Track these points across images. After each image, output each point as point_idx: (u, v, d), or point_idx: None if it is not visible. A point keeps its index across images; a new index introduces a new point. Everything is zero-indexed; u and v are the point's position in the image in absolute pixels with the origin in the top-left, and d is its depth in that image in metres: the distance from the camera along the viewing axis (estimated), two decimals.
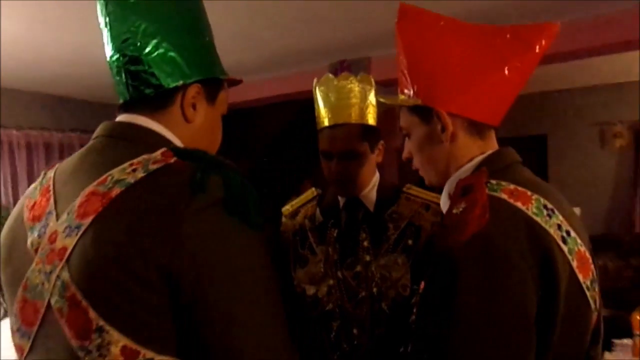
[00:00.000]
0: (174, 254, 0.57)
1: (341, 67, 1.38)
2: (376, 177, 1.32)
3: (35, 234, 0.65)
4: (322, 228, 1.32)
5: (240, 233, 0.61)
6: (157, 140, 0.70)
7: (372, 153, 1.28)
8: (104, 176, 0.64)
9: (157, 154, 0.65)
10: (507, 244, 0.67)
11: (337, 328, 1.23)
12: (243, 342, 0.59)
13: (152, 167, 0.63)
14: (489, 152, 0.81)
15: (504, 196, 0.71)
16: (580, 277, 0.71)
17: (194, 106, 0.75)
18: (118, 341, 0.57)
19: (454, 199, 0.75)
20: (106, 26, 0.72)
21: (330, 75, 1.31)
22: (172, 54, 0.71)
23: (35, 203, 0.69)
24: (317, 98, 1.31)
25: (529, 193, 0.73)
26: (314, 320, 1.27)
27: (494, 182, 0.74)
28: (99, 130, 0.73)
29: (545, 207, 0.72)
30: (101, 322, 0.58)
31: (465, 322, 0.66)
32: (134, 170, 0.63)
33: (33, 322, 0.64)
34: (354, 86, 1.27)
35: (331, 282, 1.25)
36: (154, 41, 0.70)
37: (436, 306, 0.70)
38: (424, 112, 0.83)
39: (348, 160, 1.23)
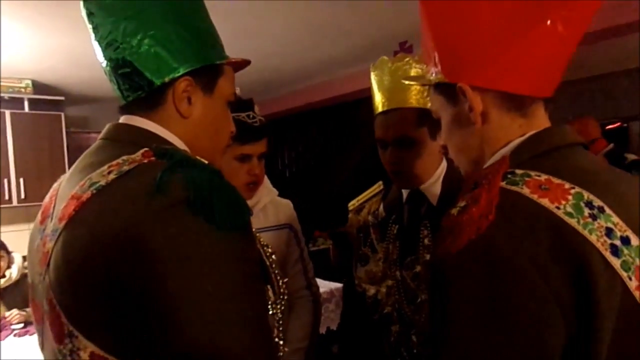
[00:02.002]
0: (131, 260, 0.54)
1: (401, 49, 1.25)
2: (442, 167, 1.18)
3: (39, 237, 0.68)
4: (384, 224, 1.22)
5: (204, 234, 0.56)
6: (150, 140, 0.67)
7: (433, 140, 1.14)
8: (85, 179, 0.63)
9: (138, 154, 0.63)
10: (517, 253, 0.51)
11: (396, 333, 1.12)
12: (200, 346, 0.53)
13: (126, 168, 0.61)
14: (531, 132, 0.64)
15: (526, 191, 0.55)
16: None
17: (189, 100, 0.71)
18: (86, 347, 0.56)
19: (460, 195, 0.60)
20: (92, 31, 0.71)
21: (385, 57, 1.20)
22: (156, 49, 0.68)
23: (45, 206, 0.72)
24: (372, 83, 1.22)
25: (567, 186, 0.55)
26: (375, 323, 1.18)
27: (519, 172, 0.58)
28: (101, 133, 0.73)
29: (589, 204, 0.54)
30: (71, 327, 0.57)
31: (458, 357, 0.52)
32: (109, 173, 0.61)
33: (39, 321, 0.67)
34: (410, 67, 1.14)
35: (390, 282, 1.15)
36: (136, 39, 0.67)
37: (433, 334, 0.56)
38: (449, 91, 0.69)
39: (403, 148, 1.12)
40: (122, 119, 0.73)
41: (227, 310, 0.55)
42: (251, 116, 1.28)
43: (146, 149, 0.64)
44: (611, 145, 3.24)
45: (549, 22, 0.60)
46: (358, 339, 1.26)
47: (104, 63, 0.72)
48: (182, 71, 0.69)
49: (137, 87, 0.69)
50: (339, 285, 2.93)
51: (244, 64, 0.82)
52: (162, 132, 0.70)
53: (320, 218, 5.14)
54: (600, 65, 4.00)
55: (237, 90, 1.30)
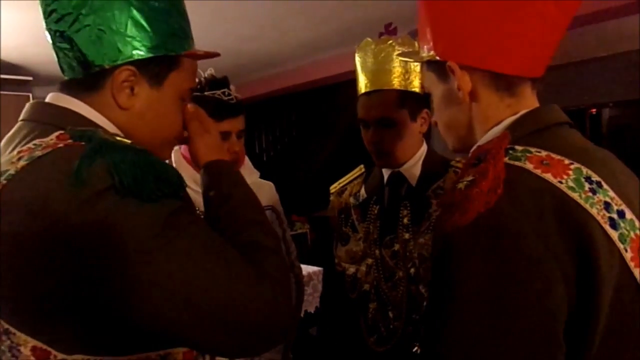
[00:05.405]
0: (59, 255, 0.51)
1: (386, 30, 1.26)
2: (422, 149, 1.21)
3: None
4: (365, 205, 1.25)
5: (136, 210, 0.53)
6: (74, 123, 0.61)
7: (413, 122, 1.16)
8: None
9: (52, 137, 0.57)
10: (524, 227, 0.52)
11: (373, 310, 1.16)
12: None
13: (38, 153, 0.55)
14: (523, 111, 0.66)
15: (529, 166, 0.56)
16: (637, 272, 0.54)
17: (131, 89, 0.65)
18: (27, 342, 0.54)
19: (463, 170, 0.62)
20: None
21: (370, 39, 1.21)
22: (100, 30, 0.61)
23: None
24: (356, 64, 1.23)
25: (567, 162, 0.57)
26: (353, 302, 1.21)
27: (519, 148, 0.59)
28: (22, 113, 0.66)
29: (588, 179, 0.56)
30: (6, 325, 0.55)
31: (463, 332, 0.52)
32: (19, 159, 0.55)
33: None
34: (393, 50, 1.15)
35: (370, 261, 1.18)
36: (80, 15, 0.61)
37: (434, 309, 0.57)
38: (440, 68, 0.70)
39: (384, 128, 1.14)
40: (49, 97, 0.66)
41: (176, 279, 0.54)
42: (227, 93, 1.29)
43: (61, 131, 0.58)
44: None
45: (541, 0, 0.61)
46: (337, 320, 1.29)
47: (48, 35, 0.66)
48: (122, 61, 0.63)
49: (74, 67, 0.64)
50: (316, 268, 2.96)
51: (208, 56, 0.74)
52: (94, 115, 0.64)
53: (297, 202, 5.16)
54: (571, 52, 4.10)
55: (211, 71, 1.31)
